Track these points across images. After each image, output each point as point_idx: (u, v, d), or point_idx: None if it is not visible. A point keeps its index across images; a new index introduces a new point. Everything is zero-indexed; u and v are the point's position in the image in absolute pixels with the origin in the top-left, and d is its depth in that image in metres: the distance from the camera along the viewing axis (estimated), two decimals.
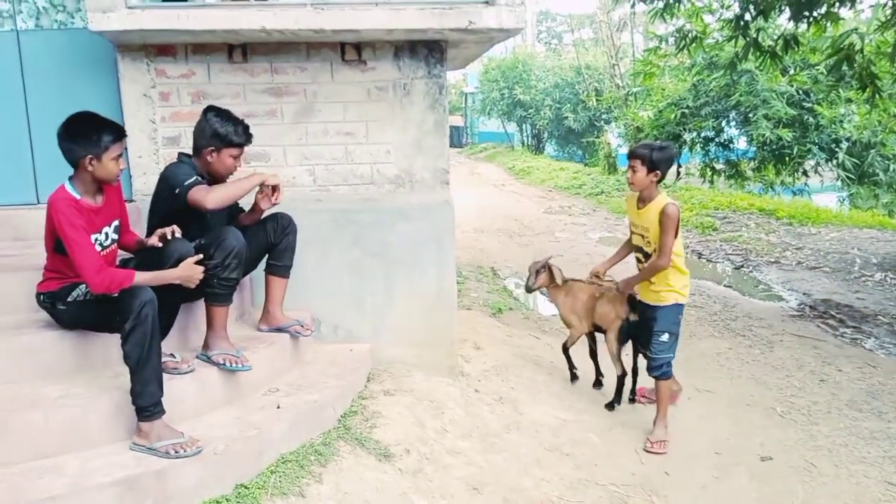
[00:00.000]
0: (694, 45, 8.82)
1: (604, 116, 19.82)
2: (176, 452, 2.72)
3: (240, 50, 3.94)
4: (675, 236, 3.73)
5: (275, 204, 3.48)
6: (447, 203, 4.15)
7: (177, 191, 3.17)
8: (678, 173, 17.35)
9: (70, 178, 2.92)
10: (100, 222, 2.97)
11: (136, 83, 3.91)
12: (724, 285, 8.00)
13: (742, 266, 8.91)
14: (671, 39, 11.14)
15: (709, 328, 6.26)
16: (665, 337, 3.90)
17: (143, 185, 3.97)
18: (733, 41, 7.45)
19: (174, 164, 3.32)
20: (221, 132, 3.28)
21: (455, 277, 4.29)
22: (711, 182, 15.74)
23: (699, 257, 9.52)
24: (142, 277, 2.82)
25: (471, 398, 4.08)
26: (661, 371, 3.96)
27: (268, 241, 3.58)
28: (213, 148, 3.30)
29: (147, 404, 2.75)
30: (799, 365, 5.28)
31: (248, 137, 3.34)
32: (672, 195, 14.18)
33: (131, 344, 2.70)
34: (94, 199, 2.96)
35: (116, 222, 3.10)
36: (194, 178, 3.19)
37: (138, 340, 2.70)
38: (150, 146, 3.96)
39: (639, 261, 4.07)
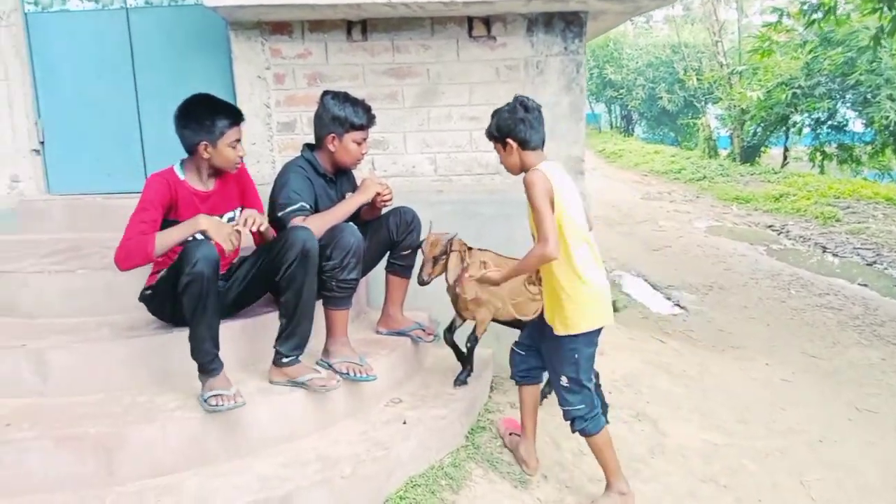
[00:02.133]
0: (825, 18, 8.02)
1: (703, 97, 18.74)
2: (215, 404, 2.54)
3: (359, 27, 3.62)
4: (551, 211, 2.44)
5: (387, 203, 3.15)
6: (581, 195, 3.71)
7: (278, 214, 2.91)
8: (785, 157, 16.27)
9: (182, 160, 2.73)
10: (206, 209, 2.73)
11: (251, 64, 3.64)
12: (859, 284, 7.24)
13: (875, 262, 8.09)
14: (791, 12, 10.33)
15: (853, 334, 5.61)
16: (564, 381, 2.68)
17: (255, 174, 3.68)
18: (877, 13, 6.67)
19: (288, 170, 3.02)
20: (340, 115, 2.97)
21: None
22: (822, 167, 14.69)
23: (823, 251, 8.72)
24: (163, 236, 2.57)
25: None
26: (575, 426, 2.76)
27: (389, 238, 3.25)
28: (333, 134, 2.99)
29: (202, 361, 2.61)
30: None
31: (370, 119, 3.02)
32: (782, 182, 13.29)
33: (187, 297, 2.50)
34: (203, 185, 2.76)
35: (233, 213, 2.83)
36: (298, 205, 2.90)
37: (194, 294, 2.48)
38: (265, 132, 3.69)
39: None
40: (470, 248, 3.10)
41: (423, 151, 3.75)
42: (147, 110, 3.87)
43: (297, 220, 2.86)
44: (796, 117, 15.29)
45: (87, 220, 3.77)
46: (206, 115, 2.62)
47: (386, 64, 3.66)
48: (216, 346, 2.62)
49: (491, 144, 2.72)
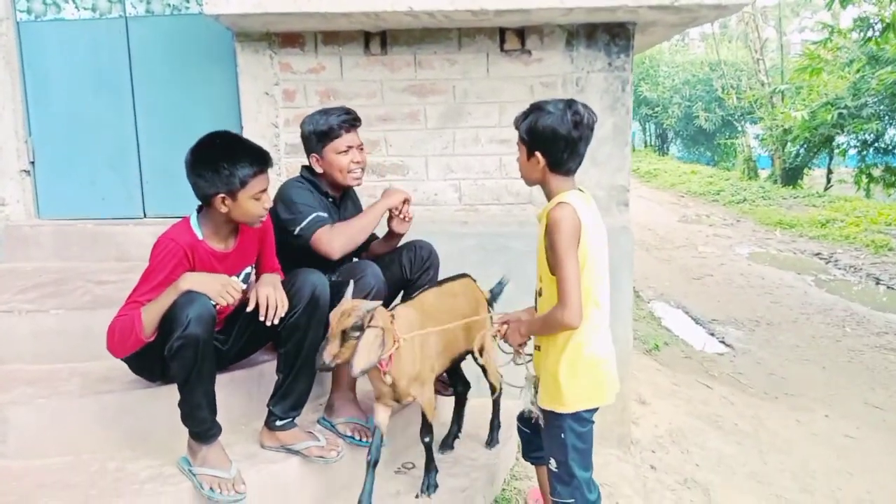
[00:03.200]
0: (882, 35, 7.52)
1: (742, 116, 18.13)
2: (211, 489, 2.16)
3: (378, 39, 3.24)
4: (577, 262, 1.89)
5: (407, 220, 2.75)
6: (625, 229, 3.28)
7: (295, 231, 2.52)
8: (828, 179, 15.57)
9: (199, 210, 2.29)
10: (223, 269, 2.32)
11: (258, 79, 3.29)
12: None
13: None
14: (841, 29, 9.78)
15: None
16: (552, 464, 2.10)
17: None
18: None
19: (287, 186, 2.65)
20: (312, 130, 2.60)
21: (631, 322, 3.43)
22: (868, 191, 14.01)
23: (877, 283, 8.12)
24: (147, 310, 2.16)
25: (649, 480, 3.21)
26: None
27: (403, 276, 2.83)
28: (314, 154, 2.63)
29: (197, 430, 2.22)
30: None
31: (346, 121, 2.59)
32: (828, 206, 12.63)
33: (178, 362, 2.10)
34: (223, 243, 2.33)
35: (248, 269, 2.45)
36: (314, 214, 2.52)
37: (186, 360, 2.08)
38: (272, 154, 3.31)
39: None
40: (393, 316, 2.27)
41: (447, 178, 3.35)
42: (146, 129, 3.54)
43: (324, 231, 2.49)
44: (841, 138, 14.67)
45: (77, 248, 3.44)
46: (224, 161, 2.14)
47: (407, 80, 3.28)
48: (213, 411, 2.24)
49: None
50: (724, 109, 18.88)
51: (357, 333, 2.06)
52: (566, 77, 3.23)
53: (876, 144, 13.98)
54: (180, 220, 2.30)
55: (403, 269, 2.81)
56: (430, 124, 3.31)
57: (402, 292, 2.88)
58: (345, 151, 2.59)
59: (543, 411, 2.07)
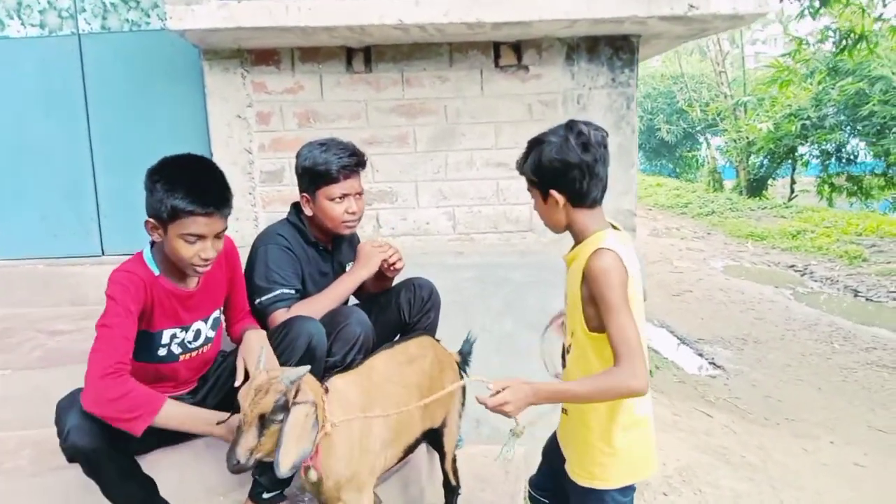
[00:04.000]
0: (854, 46, 7.51)
1: (705, 129, 18.29)
2: None
3: (361, 56, 2.97)
4: (632, 317, 1.59)
5: (397, 271, 2.46)
6: None
7: (255, 302, 2.22)
8: (791, 190, 15.74)
9: (152, 244, 1.96)
10: (188, 315, 1.99)
11: (228, 101, 2.98)
12: None
13: None
14: (811, 41, 9.84)
15: None
16: None
17: (234, 234, 2.95)
18: None
19: (264, 240, 2.32)
20: (308, 167, 2.26)
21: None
22: (830, 200, 14.19)
23: (855, 295, 8.07)
24: (174, 411, 1.82)
25: None
26: None
27: (401, 319, 2.53)
28: (305, 195, 2.31)
29: None
30: None
31: (347, 165, 2.24)
32: (796, 217, 12.70)
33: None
34: (182, 281, 1.97)
35: (216, 313, 2.12)
36: (277, 292, 2.21)
37: (86, 471, 1.80)
38: (245, 183, 3.01)
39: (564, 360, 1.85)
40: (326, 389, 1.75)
41: (440, 205, 3.08)
42: (103, 157, 3.19)
43: (279, 314, 2.17)
44: (803, 149, 14.86)
45: (26, 292, 3.05)
46: (162, 182, 1.81)
47: (394, 100, 3.00)
48: None
49: (525, 196, 1.86)
50: (686, 122, 19.04)
51: (280, 416, 1.51)
52: (566, 94, 2.99)
53: (838, 154, 14.20)
54: (133, 255, 1.96)
55: (402, 311, 2.51)
56: (420, 147, 3.04)
57: (398, 336, 2.59)
58: (339, 199, 2.26)
59: (583, 488, 1.74)
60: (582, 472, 1.73)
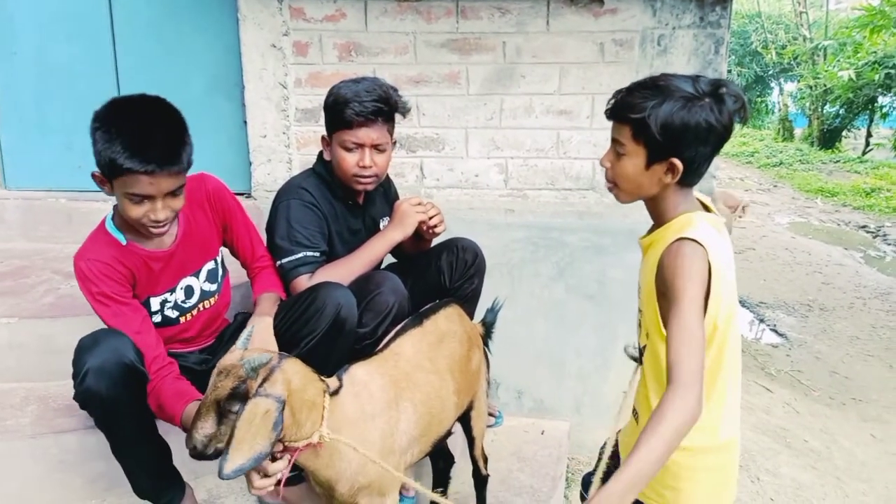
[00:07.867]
0: None
1: (779, 73, 17.18)
2: None
3: None
4: (703, 324, 1.23)
5: (436, 234, 2.18)
6: None
7: (277, 262, 1.99)
8: (867, 143, 14.74)
9: (114, 208, 1.72)
10: (173, 276, 1.78)
11: (263, 28, 2.68)
12: None
13: None
14: None
15: None
16: None
17: (265, 178, 2.78)
18: None
19: (285, 195, 2.05)
20: (330, 102, 1.99)
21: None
22: None
23: None
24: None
25: None
26: None
27: (441, 283, 2.26)
28: (325, 138, 2.05)
29: (145, 498, 1.79)
30: None
31: (374, 110, 1.93)
32: (871, 173, 11.87)
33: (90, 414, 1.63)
34: (154, 242, 1.73)
35: (211, 265, 1.89)
36: (301, 254, 1.96)
37: (97, 419, 1.61)
38: (279, 122, 2.74)
39: (638, 362, 1.53)
40: (334, 392, 1.42)
41: (491, 155, 2.76)
42: (129, 83, 2.96)
43: (302, 280, 1.93)
44: (884, 100, 13.87)
45: (49, 227, 2.90)
46: (102, 130, 1.58)
47: (446, 34, 2.66)
48: (160, 475, 1.77)
49: (589, 150, 1.51)
50: (759, 65, 17.91)
51: (236, 406, 1.26)
52: (645, 34, 2.60)
53: None
54: (95, 227, 1.73)
55: (442, 275, 2.23)
56: (472, 89, 2.70)
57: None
58: (351, 149, 1.98)
59: None
60: (650, 493, 1.43)
